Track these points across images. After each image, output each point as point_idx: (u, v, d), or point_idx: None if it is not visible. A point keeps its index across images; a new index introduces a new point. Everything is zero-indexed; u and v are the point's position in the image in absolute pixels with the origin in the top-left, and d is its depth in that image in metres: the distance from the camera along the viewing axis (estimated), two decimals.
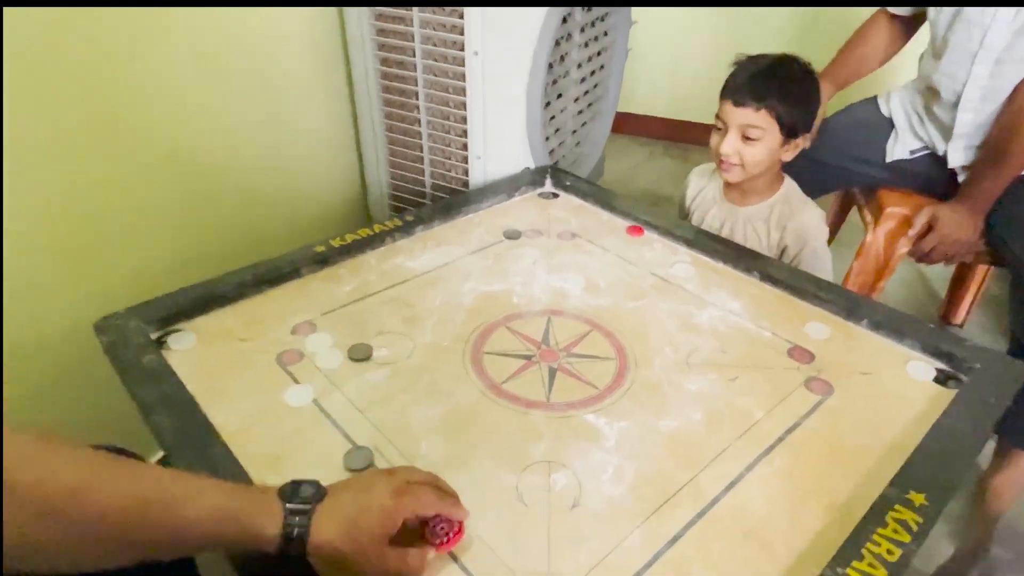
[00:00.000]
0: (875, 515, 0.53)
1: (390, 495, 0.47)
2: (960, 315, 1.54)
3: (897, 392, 0.69)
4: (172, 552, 0.42)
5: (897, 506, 0.54)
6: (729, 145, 0.95)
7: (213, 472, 0.55)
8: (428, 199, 1.19)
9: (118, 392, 0.64)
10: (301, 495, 0.47)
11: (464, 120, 1.08)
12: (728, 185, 1.05)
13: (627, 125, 2.43)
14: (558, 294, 0.84)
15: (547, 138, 1.19)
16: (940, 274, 1.74)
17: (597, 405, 0.67)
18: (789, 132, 0.95)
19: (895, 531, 0.52)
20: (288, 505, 0.45)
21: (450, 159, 1.13)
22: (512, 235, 0.97)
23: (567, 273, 0.89)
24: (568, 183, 1.10)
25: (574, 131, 1.30)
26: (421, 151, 1.15)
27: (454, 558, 0.51)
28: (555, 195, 1.09)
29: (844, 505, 0.56)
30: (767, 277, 0.87)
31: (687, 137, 2.35)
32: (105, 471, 0.40)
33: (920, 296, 1.72)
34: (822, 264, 0.99)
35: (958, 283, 1.53)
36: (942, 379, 0.71)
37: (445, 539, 0.50)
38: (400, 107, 1.14)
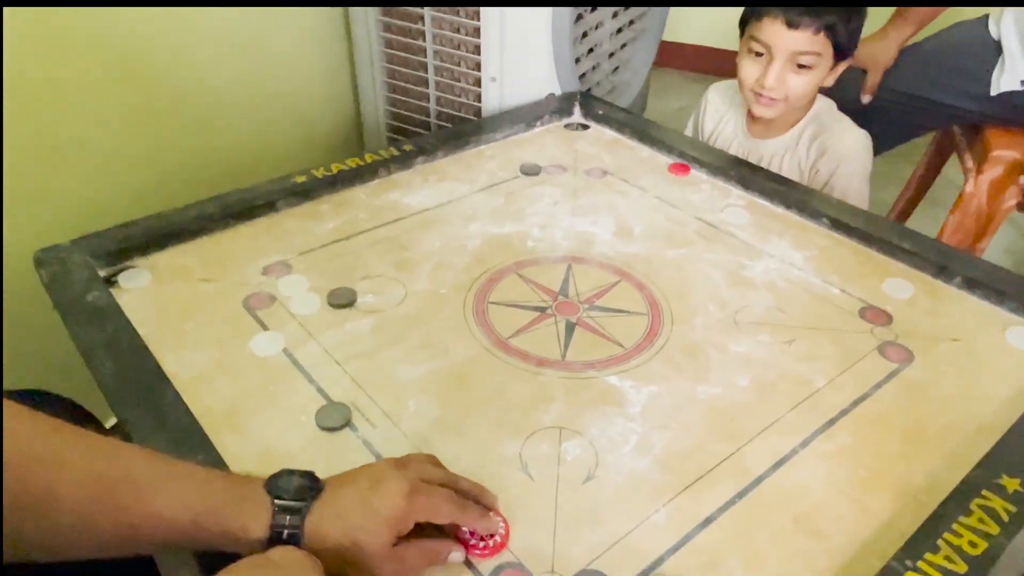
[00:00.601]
0: (957, 501, 0.51)
1: (403, 495, 0.44)
2: None
3: (992, 363, 0.66)
4: (136, 546, 0.41)
5: (985, 492, 0.52)
6: (775, 77, 0.92)
7: (163, 429, 0.55)
8: (433, 129, 1.17)
9: (63, 336, 0.64)
10: (293, 489, 0.44)
11: (477, 33, 1.05)
12: (753, 117, 1.02)
13: (676, 57, 2.37)
14: (582, 239, 0.83)
15: (578, 59, 1.16)
16: None
17: (622, 366, 0.66)
18: (841, 54, 0.91)
19: (980, 520, 0.50)
20: (277, 501, 0.43)
21: (460, 81, 1.11)
22: (530, 171, 0.95)
23: (595, 215, 0.87)
24: (600, 112, 1.07)
25: (611, 53, 1.27)
26: (425, 71, 1.13)
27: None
28: (584, 127, 1.07)
29: (920, 491, 0.54)
30: (839, 225, 0.83)
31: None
32: (66, 445, 0.39)
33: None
34: (856, 195, 0.96)
35: None
36: None
37: (480, 545, 0.49)
38: (401, 17, 1.12)
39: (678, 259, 0.80)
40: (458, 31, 1.07)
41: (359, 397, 0.61)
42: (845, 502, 0.54)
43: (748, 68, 0.95)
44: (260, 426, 0.58)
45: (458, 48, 1.09)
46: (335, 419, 0.59)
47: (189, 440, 0.54)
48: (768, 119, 0.99)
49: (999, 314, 0.72)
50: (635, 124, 1.05)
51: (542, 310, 0.72)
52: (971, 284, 0.74)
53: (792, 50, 0.90)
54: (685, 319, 0.71)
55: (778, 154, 1.01)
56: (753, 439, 0.59)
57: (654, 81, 2.19)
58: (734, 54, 0.99)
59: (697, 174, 0.95)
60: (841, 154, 0.96)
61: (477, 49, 1.06)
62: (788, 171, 1.00)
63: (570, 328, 0.70)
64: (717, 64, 2.34)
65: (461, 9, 1.06)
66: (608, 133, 1.05)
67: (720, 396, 0.63)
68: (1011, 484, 0.53)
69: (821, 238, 0.83)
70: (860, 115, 1.12)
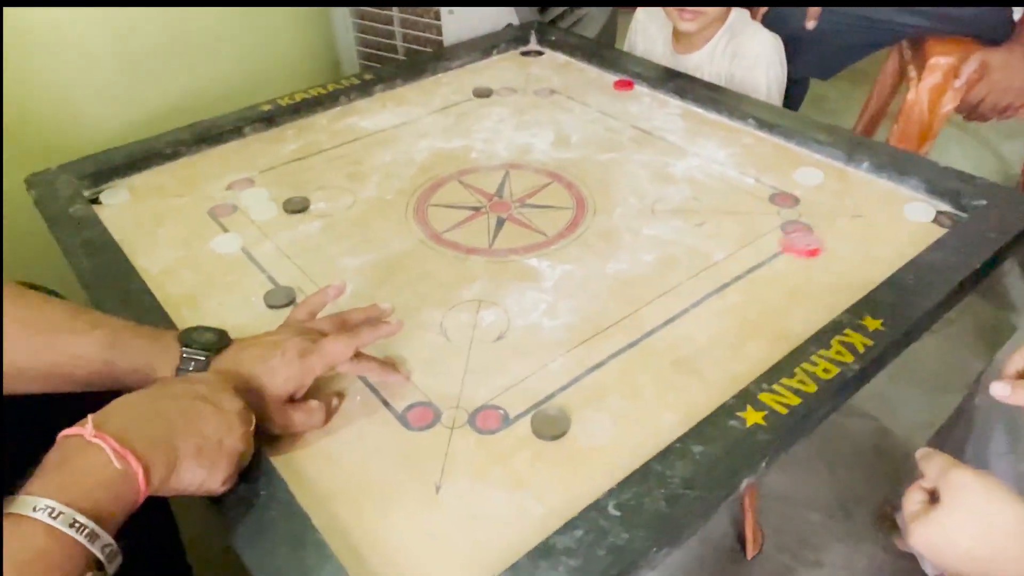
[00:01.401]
0: (820, 338, 0.55)
1: (297, 356, 0.49)
2: None
3: (887, 235, 0.70)
4: (60, 382, 0.47)
5: (847, 330, 0.56)
6: None
7: (128, 308, 0.61)
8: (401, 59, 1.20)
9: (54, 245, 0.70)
10: (202, 341, 0.49)
11: None
12: (678, 34, 1.04)
13: None
14: (522, 149, 0.87)
15: None
16: (1020, 155, 1.67)
17: (543, 250, 0.70)
18: None
19: (838, 352, 0.54)
20: (185, 350, 0.49)
21: (422, 16, 1.14)
22: (482, 93, 0.99)
23: (536, 129, 0.91)
24: (555, 39, 1.10)
25: None
26: (390, 9, 1.16)
27: (366, 383, 0.56)
28: (539, 53, 1.10)
29: (796, 336, 0.58)
30: (763, 124, 0.86)
31: None
32: (8, 300, 0.46)
33: (994, 176, 1.65)
34: (771, 93, 0.99)
35: None
36: (948, 225, 0.70)
37: None
38: None
39: (608, 162, 0.83)
40: None
41: (304, 283, 0.67)
42: (724, 347, 0.58)
43: None
44: (215, 307, 0.64)
45: None
46: (280, 298, 0.65)
47: (150, 317, 0.61)
48: (691, 34, 1.02)
49: (901, 192, 0.75)
50: (586, 47, 1.08)
51: (476, 209, 0.77)
52: (878, 167, 0.77)
53: None
54: (607, 211, 0.75)
55: (700, 67, 1.04)
56: (650, 303, 0.63)
57: (621, 18, 2.18)
58: None
59: (640, 89, 0.98)
60: (752, 57, 0.99)
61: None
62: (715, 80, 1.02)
63: (500, 222, 0.75)
64: None
65: None
66: (561, 57, 1.08)
67: (626, 270, 0.67)
68: (873, 324, 0.57)
69: (746, 137, 0.86)
70: (806, 42, 1.13)
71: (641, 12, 1.12)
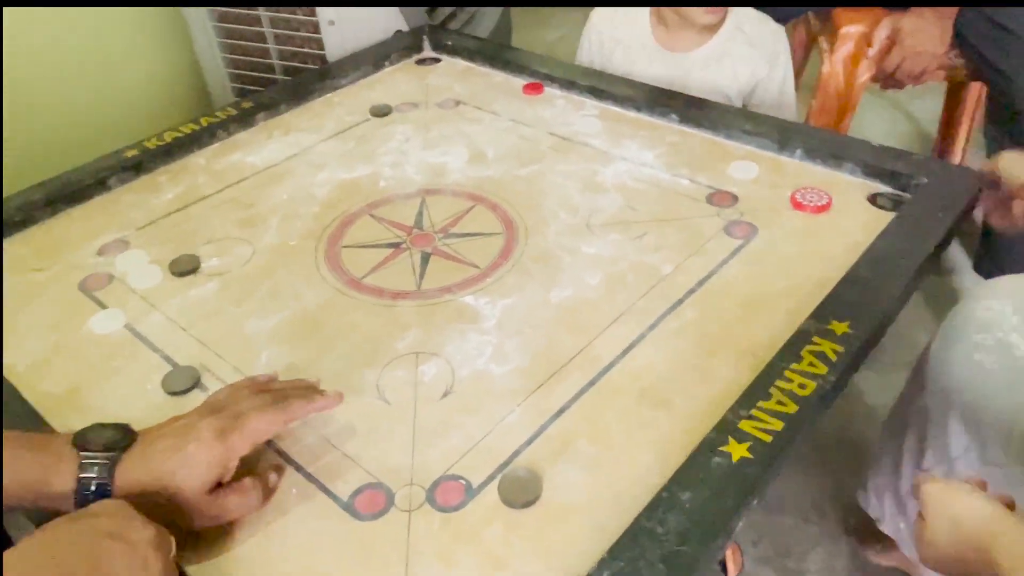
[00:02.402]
0: (789, 350, 0.56)
1: (214, 438, 0.45)
2: (955, 157, 1.59)
3: (831, 223, 0.72)
4: None
5: (815, 338, 0.57)
6: None
7: None
8: (280, 81, 1.16)
9: None
10: (102, 441, 0.45)
11: None
12: (663, 27, 1.00)
13: None
14: (435, 171, 0.84)
15: None
16: (932, 113, 1.79)
17: (478, 285, 0.68)
18: None
19: (811, 364, 0.55)
20: (84, 454, 0.44)
21: (299, 30, 1.10)
22: (380, 112, 0.96)
23: (447, 146, 0.89)
24: (451, 43, 1.08)
25: None
26: (260, 24, 1.11)
27: (300, 470, 0.53)
28: (436, 60, 1.08)
29: (760, 348, 0.59)
30: (687, 119, 0.88)
31: None
32: None
33: (910, 141, 1.77)
34: (791, 91, 1.00)
35: (949, 120, 1.57)
36: (888, 205, 0.74)
37: None
38: None
39: (531, 175, 0.82)
40: None
41: (207, 358, 0.62)
42: (688, 371, 0.58)
43: None
44: (103, 401, 0.59)
45: None
46: (182, 382, 0.60)
47: (22, 426, 0.55)
48: (704, 25, 0.97)
49: (838, 177, 0.78)
50: (487, 51, 1.07)
51: (396, 246, 0.74)
52: (810, 153, 0.80)
53: None
54: (539, 231, 0.74)
55: (708, 63, 1.00)
56: (603, 331, 0.62)
57: (527, 13, 2.21)
58: None
59: (551, 91, 0.98)
60: (770, 47, 0.98)
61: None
62: (724, 80, 0.99)
63: (425, 258, 0.72)
64: None
65: None
66: (460, 63, 1.07)
67: (571, 297, 0.66)
68: (839, 327, 0.58)
69: (671, 135, 0.87)
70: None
71: (596, 16, 1.07)
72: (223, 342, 0.63)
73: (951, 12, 1.06)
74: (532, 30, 2.15)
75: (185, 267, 0.71)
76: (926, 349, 0.76)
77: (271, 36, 1.11)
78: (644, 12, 1.02)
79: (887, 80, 1.12)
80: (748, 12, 1.01)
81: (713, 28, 0.99)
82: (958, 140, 1.53)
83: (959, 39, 1.08)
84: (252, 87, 1.18)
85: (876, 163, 0.76)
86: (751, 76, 1.00)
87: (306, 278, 0.70)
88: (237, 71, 1.18)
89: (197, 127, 0.90)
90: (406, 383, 0.59)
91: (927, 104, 1.84)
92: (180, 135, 0.89)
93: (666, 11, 0.98)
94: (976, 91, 1.41)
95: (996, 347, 0.67)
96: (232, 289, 0.69)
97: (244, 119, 0.93)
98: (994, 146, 1.07)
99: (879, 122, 1.80)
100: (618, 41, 1.05)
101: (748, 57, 0.99)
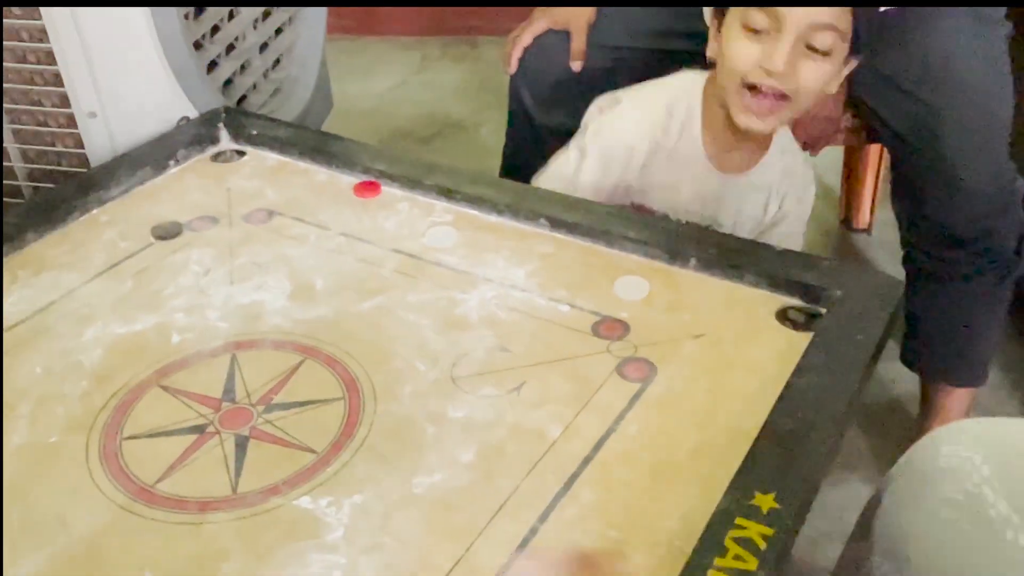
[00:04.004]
0: (709, 541, 0.57)
1: None
2: (863, 216, 1.74)
3: (739, 354, 0.75)
4: None
5: (739, 520, 0.59)
6: (785, 58, 0.85)
7: None
8: (27, 196, 1.09)
9: None
10: None
11: (52, 59, 1.00)
12: (717, 140, 0.99)
13: (376, 21, 2.43)
14: (248, 314, 0.82)
15: (213, 63, 1.14)
16: (834, 165, 1.95)
17: (315, 479, 0.66)
18: (856, 46, 0.92)
19: (737, 558, 0.56)
20: None
21: (47, 124, 1.05)
22: (168, 232, 0.93)
23: (262, 277, 0.87)
24: (256, 132, 1.07)
25: (263, 44, 1.27)
26: None
27: None
28: (240, 153, 1.07)
29: (675, 536, 0.60)
30: (558, 223, 0.90)
31: (479, 23, 2.38)
32: None
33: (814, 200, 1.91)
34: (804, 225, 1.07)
35: (852, 175, 1.72)
36: (800, 320, 0.78)
37: None
38: None
39: (374, 312, 0.82)
40: (25, 59, 1.01)
41: None
42: None
43: (742, 49, 0.88)
44: None
45: (33, 82, 1.03)
46: None
47: None
48: (748, 141, 0.98)
49: (742, 293, 0.82)
50: (304, 140, 1.06)
51: (200, 429, 0.70)
52: (707, 264, 0.84)
53: (810, 22, 0.86)
54: (390, 391, 0.73)
55: (754, 190, 1.01)
56: (484, 530, 0.61)
57: (349, 58, 2.24)
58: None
59: (390, 191, 0.98)
60: (802, 177, 1.04)
61: (57, 77, 1.01)
62: (756, 210, 1.02)
63: (242, 445, 0.69)
64: (435, 21, 2.43)
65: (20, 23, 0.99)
66: (271, 157, 1.05)
67: (440, 483, 0.65)
68: (764, 502, 0.60)
69: (543, 243, 0.90)
70: (582, 83, 1.22)
71: (629, 104, 1.03)
72: None
73: (845, 70, 1.17)
74: (356, 81, 2.17)
75: None
76: (872, 501, 0.79)
77: (9, 133, 1.05)
78: (696, 117, 1.00)
79: None
80: (788, 136, 1.05)
81: (763, 144, 1.01)
82: (863, 202, 1.67)
83: (854, 100, 1.19)
84: None
85: (782, 273, 0.81)
86: (778, 210, 1.04)
87: (74, 492, 0.65)
88: None
89: None
90: None
91: (828, 151, 2.01)
92: None
93: (725, 118, 0.96)
94: (879, 148, 1.55)
95: (966, 503, 0.71)
96: None
97: None
98: (907, 226, 1.17)
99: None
100: (664, 148, 1.01)
101: (780, 187, 1.03)
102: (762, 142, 1.00)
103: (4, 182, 1.09)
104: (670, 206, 1.01)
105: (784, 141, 1.04)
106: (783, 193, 1.03)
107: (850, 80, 1.19)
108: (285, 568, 0.59)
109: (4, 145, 1.05)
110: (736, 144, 0.99)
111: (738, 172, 1.01)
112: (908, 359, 1.24)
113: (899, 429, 1.30)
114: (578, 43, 1.21)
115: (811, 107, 1.17)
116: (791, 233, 1.05)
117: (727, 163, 1.01)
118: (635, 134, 1.01)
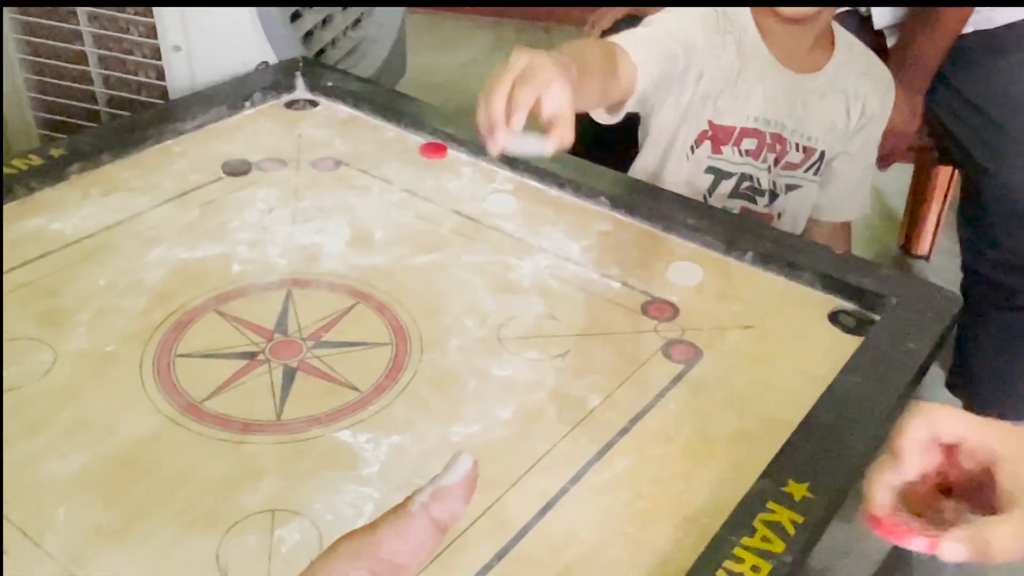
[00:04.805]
0: (739, 520, 0.58)
1: None
2: (923, 243, 1.72)
3: (786, 349, 0.75)
4: None
5: (770, 503, 0.59)
6: None
7: None
8: (105, 120, 1.13)
9: None
10: None
11: None
12: (778, 40, 0.95)
13: None
14: (306, 254, 0.84)
15: (297, 13, 1.17)
16: (900, 189, 1.93)
17: (357, 415, 0.67)
18: None
19: (764, 539, 0.57)
20: None
21: (132, 53, 1.08)
22: (237, 169, 0.95)
23: (323, 221, 0.88)
24: (331, 84, 1.09)
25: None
26: (82, 42, 1.08)
27: None
28: (312, 104, 1.08)
29: (702, 513, 0.60)
30: (620, 203, 0.91)
31: (556, 10, 2.39)
32: None
33: (874, 221, 1.89)
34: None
35: (917, 200, 1.70)
36: (851, 324, 0.78)
37: None
38: None
39: (429, 267, 0.83)
40: None
41: None
42: (619, 542, 0.59)
43: None
44: None
45: (123, 11, 1.06)
46: None
47: None
48: (807, 38, 0.95)
49: (796, 290, 0.82)
50: (377, 97, 1.08)
51: (251, 356, 0.72)
52: (764, 258, 0.84)
53: None
54: (437, 343, 0.74)
55: (827, 92, 0.98)
56: (516, 483, 0.62)
57: (424, 32, 2.26)
58: None
59: (456, 155, 1.00)
60: (886, 83, 1.00)
61: (149, 10, 1.04)
62: (838, 115, 0.99)
63: (289, 375, 0.71)
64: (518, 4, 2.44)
65: None
66: (342, 110, 1.07)
67: (478, 435, 0.66)
68: (798, 491, 0.60)
69: (601, 221, 0.90)
70: None
71: (690, 12, 0.96)
72: (7, 491, 0.59)
73: (922, 86, 1.16)
74: (431, 54, 2.18)
75: None
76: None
77: (95, 59, 1.08)
78: (747, 15, 0.97)
79: None
80: (852, 36, 1.03)
81: (824, 40, 0.98)
82: (926, 228, 1.65)
83: (930, 118, 1.18)
84: (67, 127, 1.14)
85: (838, 276, 0.81)
86: (861, 115, 1.01)
87: (126, 400, 0.67)
88: (46, 99, 1.14)
89: None
90: (257, 555, 0.57)
91: (894, 175, 1.99)
92: None
93: (774, 15, 0.93)
94: (948, 174, 1.54)
95: None
96: (23, 414, 0.65)
97: (51, 171, 0.89)
98: (971, 250, 1.16)
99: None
100: (739, 28, 0.96)
101: (859, 88, 1.00)
102: (822, 37, 0.98)
103: (84, 106, 1.13)
104: (744, 115, 0.98)
105: (849, 39, 1.02)
106: (864, 94, 1.00)
107: (927, 99, 1.18)
108: (319, 494, 0.61)
109: (89, 68, 1.08)
110: (794, 41, 0.96)
111: (807, 73, 0.98)
112: (955, 386, 1.23)
113: None
114: None
115: None
116: (871, 138, 1.03)
117: (793, 61, 0.97)
118: (692, 25, 0.95)
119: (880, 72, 1.03)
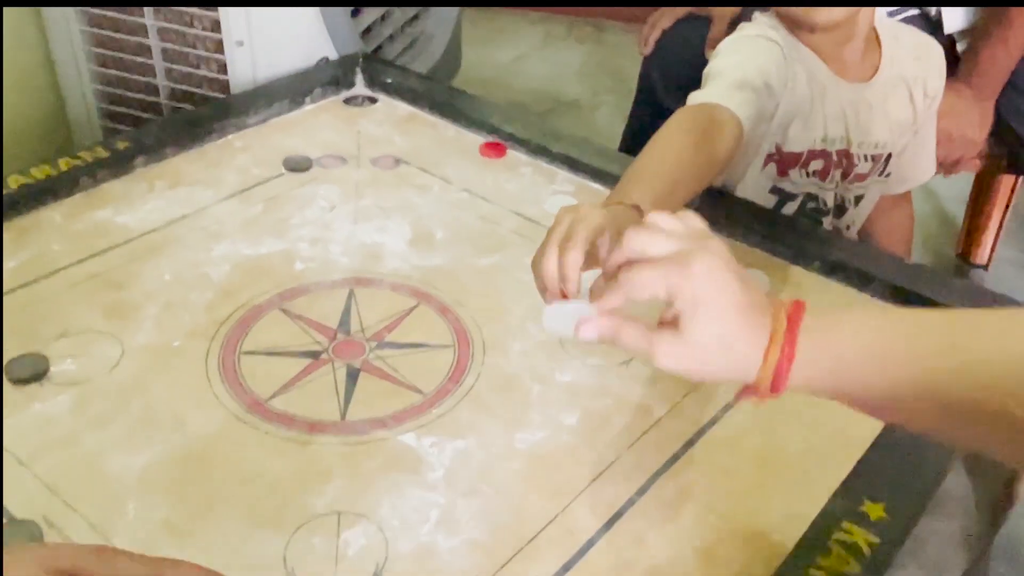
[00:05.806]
0: (813, 540, 0.57)
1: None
2: (983, 252, 1.68)
3: None
4: None
5: (845, 523, 0.58)
6: None
7: None
8: (166, 113, 1.14)
9: None
10: None
11: None
12: (834, 56, 0.93)
13: None
14: (369, 253, 0.84)
15: (357, 9, 1.17)
16: (958, 195, 1.88)
17: (420, 419, 0.67)
18: None
19: (841, 559, 0.56)
20: None
21: (195, 47, 1.09)
22: (298, 165, 0.95)
23: (384, 220, 0.88)
24: (391, 80, 1.09)
25: None
26: (146, 35, 1.09)
27: None
28: (371, 100, 1.09)
29: (775, 529, 0.59)
30: (687, 204, 0.89)
31: (609, 8, 2.37)
32: None
33: (931, 227, 1.85)
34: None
35: (978, 207, 1.66)
36: None
37: None
38: None
39: (491, 269, 0.82)
40: None
41: (54, 507, 0.59)
42: (690, 557, 0.58)
43: None
44: None
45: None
46: (17, 542, 0.56)
47: None
48: (851, 45, 0.93)
49: (864, 301, 0.80)
50: (437, 95, 1.07)
51: (315, 355, 0.73)
52: (832, 268, 0.82)
53: None
54: (500, 347, 0.74)
55: (891, 100, 0.97)
56: (582, 492, 0.62)
57: (477, 25, 2.26)
58: None
59: (515, 155, 0.99)
60: (941, 67, 0.98)
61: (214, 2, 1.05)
62: (903, 109, 0.98)
63: (352, 375, 0.71)
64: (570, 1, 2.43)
65: None
66: (402, 108, 1.07)
67: (542, 442, 0.66)
68: (874, 511, 0.59)
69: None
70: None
71: (769, 27, 0.92)
72: (76, 484, 0.60)
73: (992, 92, 1.13)
74: (481, 49, 2.18)
75: (27, 372, 0.68)
76: (981, 559, 0.76)
77: (158, 51, 1.09)
78: (792, 36, 0.94)
79: None
80: (885, 17, 1.00)
81: (866, 38, 0.95)
82: (985, 237, 1.61)
83: (999, 124, 1.15)
84: (129, 119, 1.15)
85: (909, 286, 0.79)
86: (924, 96, 0.99)
87: (192, 396, 0.68)
88: (109, 90, 1.15)
89: (52, 171, 0.87)
90: (324, 556, 0.57)
91: (953, 180, 1.95)
92: (28, 181, 0.86)
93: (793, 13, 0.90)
94: (1011, 181, 1.50)
95: None
96: (93, 406, 0.66)
97: (116, 163, 0.90)
98: None
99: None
100: (803, 56, 0.94)
101: (917, 73, 0.98)
102: (870, 40, 0.95)
103: (146, 98, 1.14)
104: (813, 137, 0.95)
105: (892, 28, 0.99)
106: (923, 77, 0.98)
107: (997, 105, 1.15)
108: (384, 497, 0.61)
109: (153, 60, 1.09)
110: (848, 52, 0.94)
111: (866, 80, 0.96)
112: None
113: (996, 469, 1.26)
114: (717, 31, 1.20)
115: (952, 127, 1.14)
116: (934, 109, 1.01)
117: (852, 72, 0.95)
118: (768, 61, 0.91)
119: (927, 46, 1.00)
